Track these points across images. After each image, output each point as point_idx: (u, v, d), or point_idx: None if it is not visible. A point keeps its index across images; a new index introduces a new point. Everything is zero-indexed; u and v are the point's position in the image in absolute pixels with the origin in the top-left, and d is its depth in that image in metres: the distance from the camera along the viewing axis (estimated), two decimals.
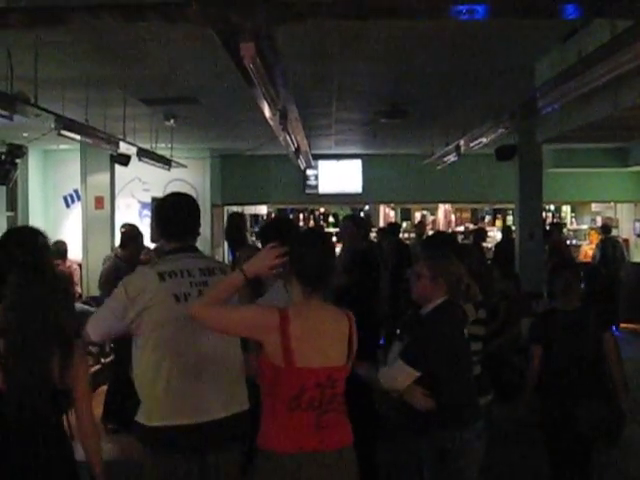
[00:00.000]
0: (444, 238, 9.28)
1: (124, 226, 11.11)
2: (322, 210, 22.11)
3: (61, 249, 13.45)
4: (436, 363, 4.89)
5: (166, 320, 4.34)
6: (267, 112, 9.05)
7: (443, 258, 5.30)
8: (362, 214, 22.16)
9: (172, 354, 4.36)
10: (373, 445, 6.77)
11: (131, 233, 10.53)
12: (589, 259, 18.78)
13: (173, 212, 4.74)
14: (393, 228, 15.50)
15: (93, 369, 11.68)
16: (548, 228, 16.03)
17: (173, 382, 4.34)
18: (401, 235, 19.94)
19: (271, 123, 10.10)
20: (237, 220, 10.58)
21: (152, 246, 13.55)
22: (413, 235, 20.07)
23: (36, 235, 4.48)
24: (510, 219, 20.45)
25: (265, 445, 3.94)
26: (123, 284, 4.43)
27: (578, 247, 20.51)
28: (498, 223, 21.68)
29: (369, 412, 6.66)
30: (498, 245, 17.17)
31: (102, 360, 12.11)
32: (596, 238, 19.77)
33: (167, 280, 4.40)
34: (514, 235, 17.70)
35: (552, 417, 6.66)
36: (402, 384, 4.86)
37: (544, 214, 18.78)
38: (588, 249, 19.91)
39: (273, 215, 21.56)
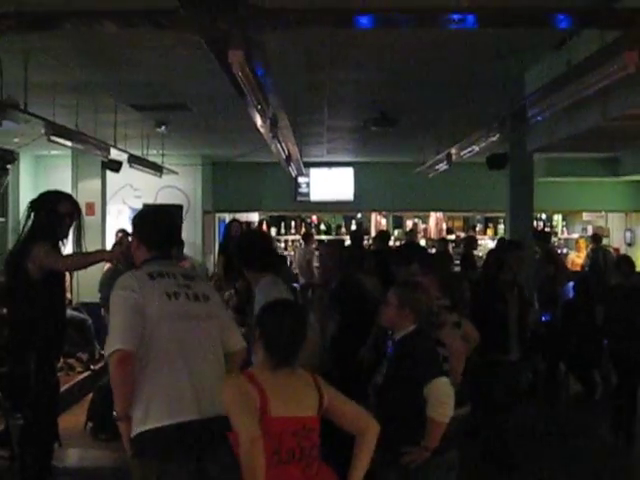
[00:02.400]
0: (413, 248, 9.35)
1: (124, 233, 11.32)
2: (314, 219, 22.05)
3: None
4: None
5: (161, 315, 4.37)
6: (257, 120, 9.05)
7: (412, 287, 5.32)
8: (354, 222, 22.18)
9: (168, 349, 4.37)
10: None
11: (129, 242, 10.56)
12: (577, 267, 18.78)
13: (155, 222, 4.80)
14: (383, 236, 15.46)
15: (82, 376, 11.66)
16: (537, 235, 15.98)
17: (166, 378, 4.34)
18: (393, 243, 19.98)
19: (262, 131, 10.10)
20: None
21: None
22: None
23: None
24: (502, 228, 20.45)
25: None
26: (117, 287, 4.44)
27: (565, 256, 20.49)
28: (490, 232, 21.68)
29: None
30: (490, 252, 17.16)
31: (92, 367, 12.07)
32: (584, 247, 19.78)
33: (157, 279, 4.46)
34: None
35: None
36: (451, 396, 4.87)
37: (535, 223, 18.79)
38: (575, 257, 19.91)
39: (265, 225, 21.56)
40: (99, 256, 6.77)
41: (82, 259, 6.65)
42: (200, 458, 4.33)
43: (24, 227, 6.61)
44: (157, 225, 4.75)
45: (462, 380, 5.88)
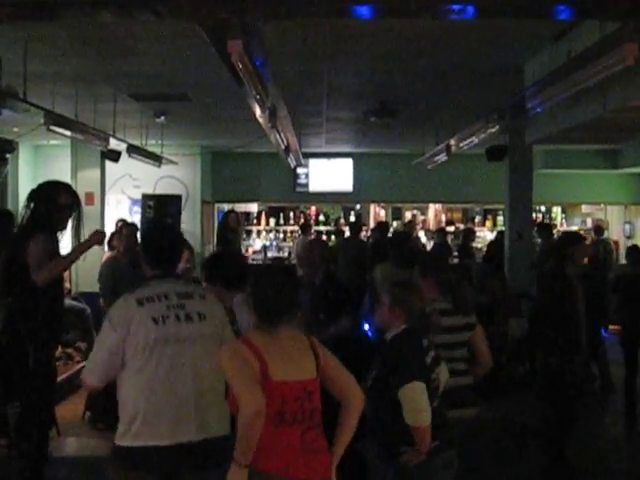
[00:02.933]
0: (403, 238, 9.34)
1: (124, 223, 11.39)
2: (313, 210, 22.01)
3: None
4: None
5: (146, 342, 4.38)
6: (256, 110, 9.05)
7: (404, 288, 5.31)
8: (353, 213, 22.17)
9: (151, 376, 4.39)
10: (361, 443, 6.72)
11: (129, 231, 10.53)
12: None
13: (156, 242, 4.81)
14: (381, 227, 15.46)
15: (80, 365, 11.66)
16: (538, 228, 15.98)
17: (150, 403, 4.37)
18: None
19: (260, 121, 10.09)
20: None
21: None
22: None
23: None
24: (501, 219, 20.44)
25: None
26: (107, 317, 4.50)
27: None
28: (488, 223, 21.68)
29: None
30: (491, 244, 17.14)
31: None
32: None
33: (145, 305, 4.46)
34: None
35: None
36: (424, 402, 4.82)
37: (534, 215, 18.78)
38: None
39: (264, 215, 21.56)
40: (79, 251, 6.66)
41: (60, 264, 6.57)
42: (180, 476, 4.38)
43: (23, 217, 6.60)
44: (158, 244, 4.77)
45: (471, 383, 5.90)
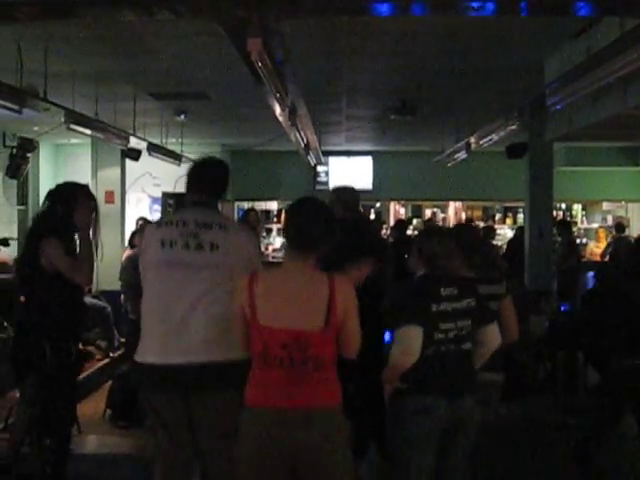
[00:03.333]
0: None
1: (144, 221, 11.52)
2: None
3: None
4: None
5: (151, 263, 4.62)
6: (276, 108, 9.05)
7: (426, 232, 5.38)
8: (373, 211, 22.15)
9: (151, 295, 4.62)
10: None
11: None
12: (596, 257, 18.68)
13: (194, 170, 4.96)
14: (399, 226, 15.46)
15: (101, 363, 11.73)
16: (558, 225, 15.91)
17: (149, 321, 4.60)
18: (412, 232, 19.97)
19: (280, 119, 10.10)
20: None
21: None
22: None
23: None
24: (521, 217, 20.39)
25: (245, 398, 4.07)
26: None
27: (584, 246, 20.40)
28: (509, 221, 21.62)
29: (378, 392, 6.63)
30: (510, 242, 17.10)
31: (111, 354, 12.14)
32: (604, 237, 19.67)
33: (162, 227, 4.68)
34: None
35: None
36: (413, 347, 4.82)
37: (555, 212, 18.72)
38: (594, 247, 19.80)
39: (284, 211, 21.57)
40: (86, 240, 6.60)
41: (88, 256, 6.54)
42: (185, 395, 4.50)
43: (40, 216, 6.60)
44: (198, 172, 4.91)
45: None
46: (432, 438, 4.92)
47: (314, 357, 3.96)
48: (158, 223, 4.75)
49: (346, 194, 7.62)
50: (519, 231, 17.03)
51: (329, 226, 4.14)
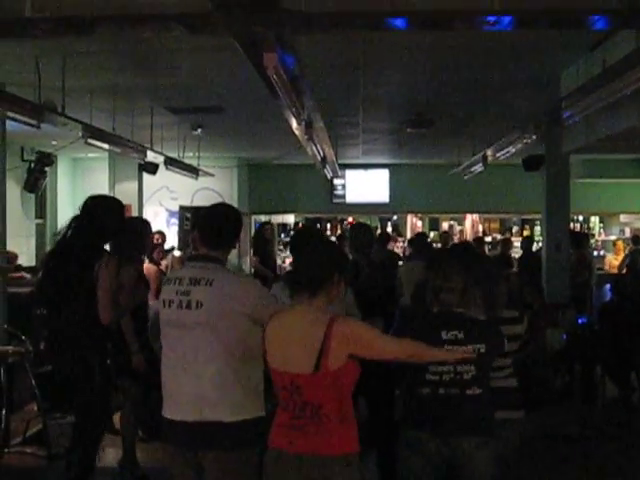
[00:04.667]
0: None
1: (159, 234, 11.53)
2: (350, 220, 22.02)
3: None
4: None
5: (161, 322, 4.59)
6: (292, 122, 9.08)
7: (430, 264, 5.30)
8: (390, 224, 22.18)
9: (164, 352, 4.60)
10: (392, 447, 6.72)
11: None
12: (614, 269, 18.61)
13: (201, 220, 4.85)
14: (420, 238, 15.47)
15: None
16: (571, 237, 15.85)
17: (163, 378, 4.59)
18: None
19: (297, 133, 10.12)
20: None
21: (177, 253, 13.71)
22: (440, 245, 19.99)
23: None
24: (538, 230, 20.35)
25: None
26: None
27: (603, 258, 20.34)
28: (526, 233, 21.59)
29: (388, 412, 6.64)
30: (521, 257, 17.08)
31: None
32: (622, 249, 19.61)
33: (167, 286, 4.62)
34: (535, 245, 17.64)
35: None
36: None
37: (572, 225, 18.68)
38: (613, 259, 19.72)
39: (301, 224, 21.62)
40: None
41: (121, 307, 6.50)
42: (193, 452, 4.45)
43: (79, 228, 6.54)
44: (202, 224, 4.79)
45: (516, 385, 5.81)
46: (425, 475, 4.90)
47: (310, 403, 3.90)
48: (167, 281, 4.68)
49: (360, 238, 7.61)
50: (526, 243, 17.02)
51: (332, 266, 4.07)
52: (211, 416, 4.33)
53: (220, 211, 4.90)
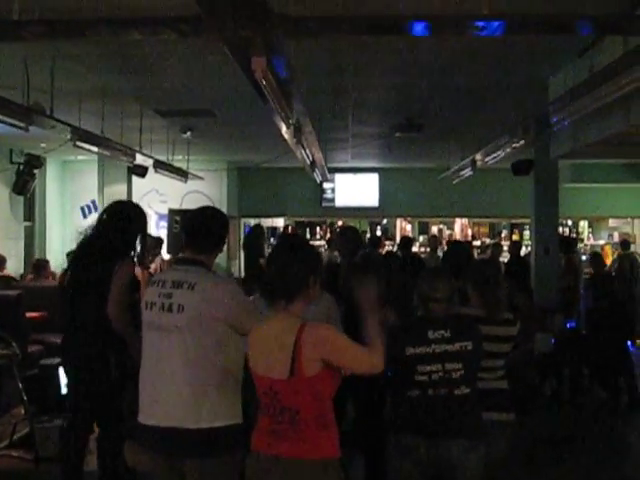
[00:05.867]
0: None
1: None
2: (340, 223, 22.02)
3: None
4: None
5: (143, 324, 4.58)
6: (281, 126, 9.08)
7: (422, 278, 5.30)
8: (379, 228, 22.20)
9: (142, 356, 4.57)
10: (381, 451, 6.74)
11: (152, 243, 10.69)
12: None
13: (187, 223, 4.84)
14: (406, 241, 15.47)
15: None
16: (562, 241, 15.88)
17: (140, 381, 4.56)
18: (418, 249, 20.01)
19: (286, 137, 10.12)
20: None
21: (167, 257, 13.71)
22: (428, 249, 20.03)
23: None
24: (527, 234, 20.40)
25: None
26: None
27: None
28: (515, 237, 21.64)
29: (376, 416, 6.66)
30: (509, 261, 17.12)
31: None
32: (610, 253, 19.68)
33: (150, 288, 4.58)
34: (524, 249, 17.69)
35: None
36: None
37: (561, 229, 18.71)
38: None
39: (290, 228, 21.61)
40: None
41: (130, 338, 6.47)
42: (171, 457, 4.42)
43: (102, 233, 6.54)
44: (185, 226, 4.80)
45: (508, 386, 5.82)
46: (415, 478, 4.92)
47: (287, 408, 3.90)
48: (150, 283, 4.63)
49: (346, 242, 7.60)
50: (513, 247, 17.07)
51: (304, 270, 4.02)
52: (189, 423, 4.30)
53: (206, 214, 4.87)
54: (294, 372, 3.84)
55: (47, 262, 14.07)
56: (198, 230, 4.70)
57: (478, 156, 13.33)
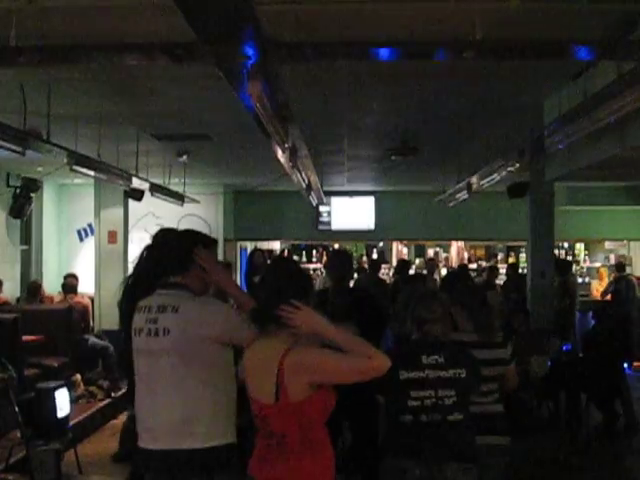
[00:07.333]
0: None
1: None
2: (336, 246, 22.03)
3: (71, 283, 13.58)
4: None
5: (133, 350, 4.55)
6: (277, 150, 9.11)
7: (416, 300, 5.31)
8: (375, 251, 22.21)
9: (137, 382, 4.55)
10: (376, 475, 6.71)
11: None
12: (597, 296, 18.71)
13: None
14: (402, 264, 15.48)
15: (103, 403, 11.71)
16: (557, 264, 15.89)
17: (136, 408, 4.56)
18: (415, 272, 19.98)
19: (282, 160, 10.15)
20: None
21: None
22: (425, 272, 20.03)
23: None
24: (523, 256, 20.42)
25: None
26: None
27: (588, 285, 20.41)
28: (511, 260, 21.67)
29: (372, 440, 6.66)
30: (506, 282, 17.15)
31: (112, 394, 12.13)
32: (606, 276, 19.71)
33: (137, 314, 4.55)
34: (520, 271, 17.71)
35: None
36: None
37: (557, 252, 18.74)
38: (598, 286, 19.80)
39: (286, 251, 21.66)
40: None
41: None
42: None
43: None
44: (160, 252, 4.77)
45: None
46: None
47: (275, 433, 3.91)
48: (137, 309, 4.57)
49: (336, 268, 7.59)
50: (510, 269, 17.12)
51: (293, 295, 3.97)
52: (183, 443, 4.30)
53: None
54: (279, 397, 3.84)
55: (40, 285, 14.07)
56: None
57: (474, 179, 13.35)
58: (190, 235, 4.86)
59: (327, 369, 3.86)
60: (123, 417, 10.44)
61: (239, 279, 18.27)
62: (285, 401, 3.83)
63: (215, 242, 4.86)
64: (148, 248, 4.86)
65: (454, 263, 21.77)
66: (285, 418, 3.87)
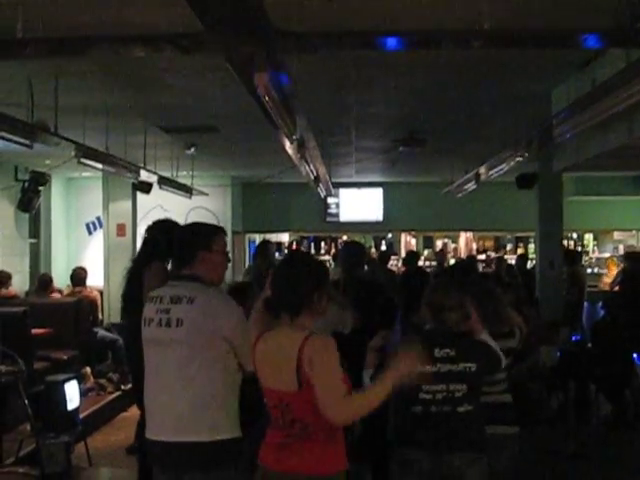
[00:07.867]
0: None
1: None
2: (345, 238, 21.99)
3: (80, 276, 13.58)
4: None
5: (143, 341, 4.57)
6: (284, 141, 9.09)
7: (433, 287, 5.29)
8: (384, 242, 22.18)
9: (145, 372, 4.57)
10: (385, 465, 6.71)
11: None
12: (606, 287, 18.63)
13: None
14: (411, 256, 15.45)
15: (112, 396, 11.71)
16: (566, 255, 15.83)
17: (144, 398, 4.60)
18: (423, 263, 19.96)
19: (289, 152, 10.13)
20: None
21: None
22: (435, 263, 20.00)
23: None
24: (532, 247, 20.36)
25: None
26: None
27: (599, 275, 20.32)
28: (520, 251, 21.60)
29: (379, 431, 6.64)
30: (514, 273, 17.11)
31: (122, 387, 12.13)
32: (614, 266, 19.62)
33: (149, 304, 4.57)
34: (529, 263, 17.66)
35: None
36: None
37: (566, 242, 18.68)
38: (607, 277, 19.72)
39: (295, 244, 21.62)
40: None
41: None
42: (174, 472, 4.42)
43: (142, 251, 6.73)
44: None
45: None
46: None
47: (298, 420, 3.89)
48: (149, 299, 4.61)
49: (349, 258, 7.59)
50: (520, 260, 17.09)
51: (309, 285, 3.99)
52: (190, 436, 4.30)
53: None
54: (302, 384, 3.82)
55: (51, 278, 14.08)
56: (180, 247, 4.70)
57: (482, 170, 13.32)
58: (196, 230, 4.84)
59: (324, 381, 3.82)
60: (133, 409, 10.42)
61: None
62: (309, 387, 3.81)
63: (222, 231, 4.83)
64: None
65: (463, 254, 21.71)
66: (309, 404, 3.83)
